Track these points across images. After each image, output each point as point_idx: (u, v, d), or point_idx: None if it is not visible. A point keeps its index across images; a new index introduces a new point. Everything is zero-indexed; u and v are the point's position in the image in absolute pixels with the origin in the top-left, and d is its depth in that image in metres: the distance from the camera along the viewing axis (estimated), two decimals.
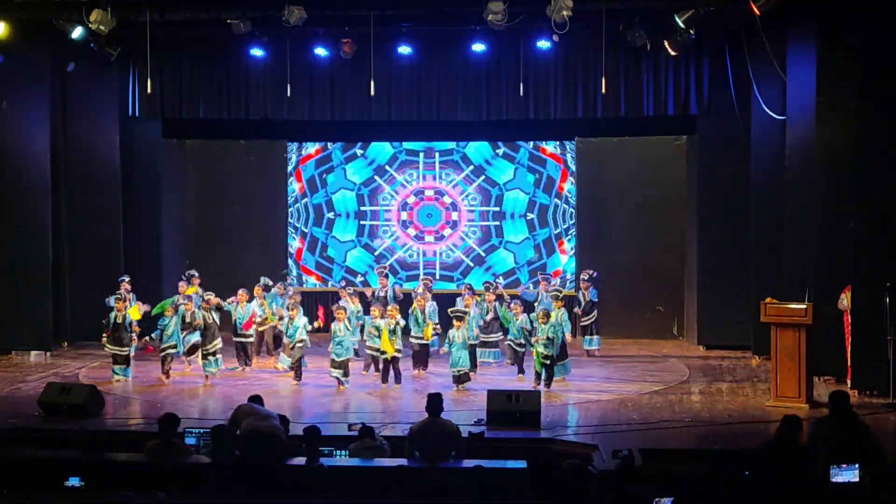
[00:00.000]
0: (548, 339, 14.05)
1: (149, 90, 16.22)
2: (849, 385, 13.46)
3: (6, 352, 16.73)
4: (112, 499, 7.75)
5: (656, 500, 7.30)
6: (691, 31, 15.10)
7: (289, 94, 17.04)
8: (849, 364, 13.55)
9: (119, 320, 14.78)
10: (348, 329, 14.40)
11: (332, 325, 14.42)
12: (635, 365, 16.14)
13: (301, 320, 14.69)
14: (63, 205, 17.49)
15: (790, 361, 12.71)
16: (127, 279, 15.94)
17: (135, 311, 15.02)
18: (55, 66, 17.20)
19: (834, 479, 7.66)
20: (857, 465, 7.65)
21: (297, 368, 14.61)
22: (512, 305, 15.23)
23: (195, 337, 14.82)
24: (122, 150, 17.93)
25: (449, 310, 15.03)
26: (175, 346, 14.81)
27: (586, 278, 16.94)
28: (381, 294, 16.29)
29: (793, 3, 14.22)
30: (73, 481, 7.97)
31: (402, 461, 9.32)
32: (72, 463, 8.48)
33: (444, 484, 7.86)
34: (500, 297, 15.86)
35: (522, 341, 14.99)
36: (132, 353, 14.95)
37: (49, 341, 16.93)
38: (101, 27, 14.85)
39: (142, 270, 17.98)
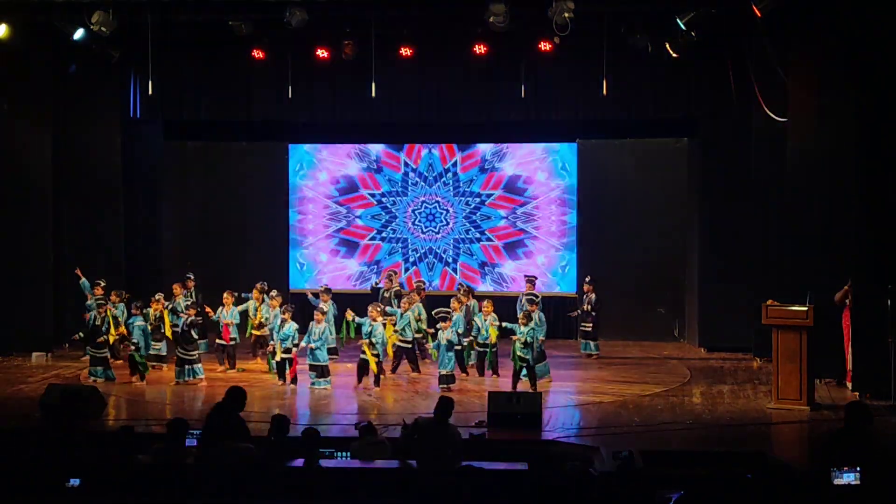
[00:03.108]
0: (525, 343, 13.87)
1: (150, 92, 16.22)
2: (849, 387, 13.48)
3: (7, 353, 16.73)
4: (113, 499, 7.75)
5: (660, 492, 7.29)
6: (693, 33, 15.11)
7: (290, 95, 17.07)
8: (849, 366, 13.55)
9: (98, 322, 14.78)
10: (331, 333, 14.36)
11: (310, 326, 14.32)
12: (636, 367, 16.14)
13: (293, 326, 14.54)
14: (64, 206, 17.50)
15: (791, 364, 12.70)
16: (102, 283, 15.86)
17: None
18: (56, 68, 17.20)
19: (835, 482, 7.64)
20: (857, 468, 7.63)
21: (281, 371, 14.48)
22: (483, 304, 15.11)
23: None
24: (124, 152, 17.98)
25: (433, 311, 14.96)
26: (137, 349, 14.63)
27: (588, 280, 16.93)
28: (386, 296, 16.30)
29: (794, 5, 14.22)
30: (74, 482, 7.96)
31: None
32: (73, 463, 8.48)
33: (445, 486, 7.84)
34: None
35: (487, 342, 14.81)
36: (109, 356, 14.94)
37: (50, 342, 16.95)
38: (103, 29, 14.86)
39: (143, 271, 18.01)
